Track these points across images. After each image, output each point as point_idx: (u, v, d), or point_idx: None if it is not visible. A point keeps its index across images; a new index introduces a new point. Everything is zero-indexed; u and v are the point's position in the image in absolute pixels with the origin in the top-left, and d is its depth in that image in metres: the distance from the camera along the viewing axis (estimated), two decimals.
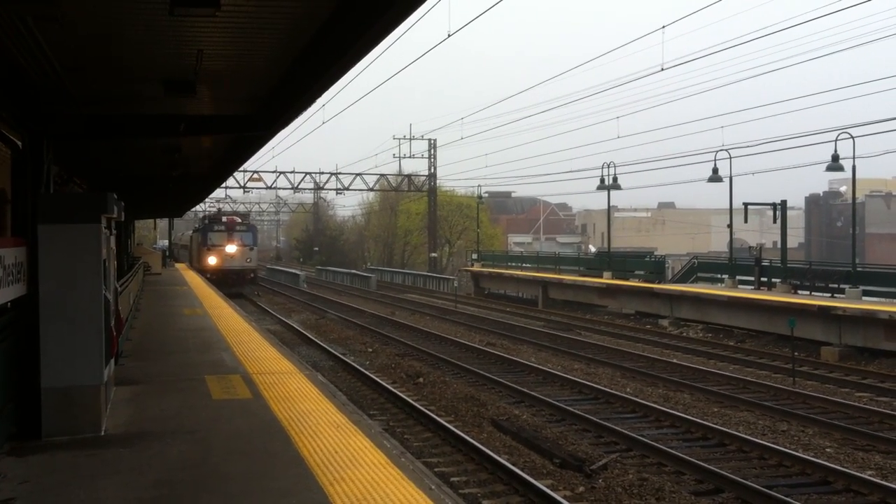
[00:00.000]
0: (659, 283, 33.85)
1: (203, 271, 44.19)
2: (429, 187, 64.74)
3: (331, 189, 63.08)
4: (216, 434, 8.06)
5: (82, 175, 19.65)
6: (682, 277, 35.98)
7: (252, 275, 46.22)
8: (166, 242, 71.62)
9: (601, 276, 37.13)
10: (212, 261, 44.66)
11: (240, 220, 47.03)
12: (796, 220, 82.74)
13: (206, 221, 47.54)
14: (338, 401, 9.67)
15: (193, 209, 62.94)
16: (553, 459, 11.65)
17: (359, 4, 6.94)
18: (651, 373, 19.60)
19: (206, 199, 58.34)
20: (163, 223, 71.93)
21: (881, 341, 20.95)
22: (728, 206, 33.35)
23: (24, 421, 8.01)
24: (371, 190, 66.52)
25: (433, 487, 6.34)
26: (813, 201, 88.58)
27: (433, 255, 65.35)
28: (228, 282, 42.70)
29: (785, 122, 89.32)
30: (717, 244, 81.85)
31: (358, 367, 20.17)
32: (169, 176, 21.73)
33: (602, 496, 10.24)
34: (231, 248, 44.78)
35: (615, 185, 38.70)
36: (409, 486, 6.33)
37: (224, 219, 46.77)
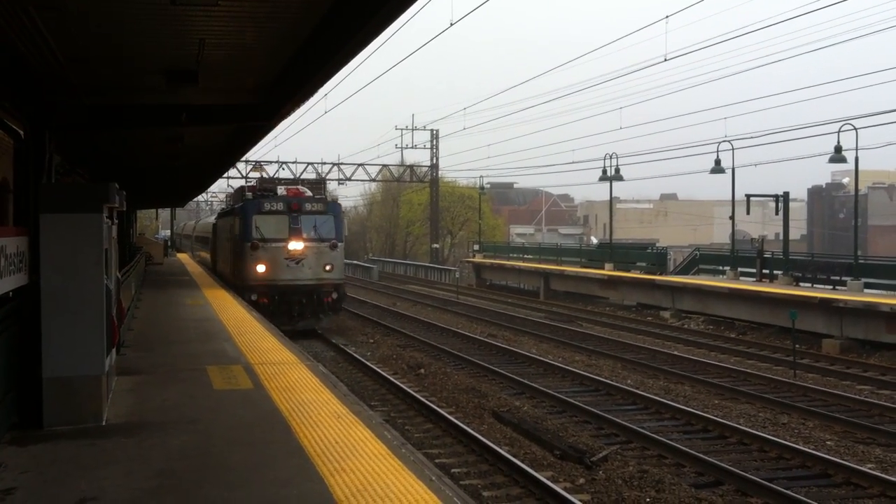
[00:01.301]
0: (661, 274, 33.83)
1: (243, 287, 24.22)
2: (431, 178, 64.67)
3: (333, 179, 62.94)
4: (217, 424, 8.08)
5: (84, 165, 19.65)
6: (684, 269, 35.95)
7: (334, 295, 25.03)
8: (169, 232, 71.46)
9: (603, 268, 37.11)
10: (260, 269, 24.25)
11: (310, 194, 26.41)
12: (799, 211, 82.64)
13: (250, 196, 25.86)
14: (339, 391, 9.68)
15: (210, 190, 59.21)
16: (554, 451, 11.67)
17: None
18: (652, 365, 19.63)
19: (208, 190, 58.06)
20: (165, 213, 71.98)
21: (882, 334, 20.94)
22: (731, 198, 33.31)
23: (25, 410, 8.03)
24: (373, 180, 66.54)
25: (433, 479, 6.35)
26: (815, 193, 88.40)
27: (435, 245, 65.34)
28: (292, 308, 24.41)
29: (788, 114, 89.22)
30: (719, 236, 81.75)
31: (359, 357, 20.21)
32: (171, 166, 21.75)
33: (602, 488, 10.26)
34: (296, 245, 24.44)
35: (617, 177, 38.65)
36: (409, 476, 6.34)
37: (283, 191, 26.29)
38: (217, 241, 33.38)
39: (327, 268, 24.80)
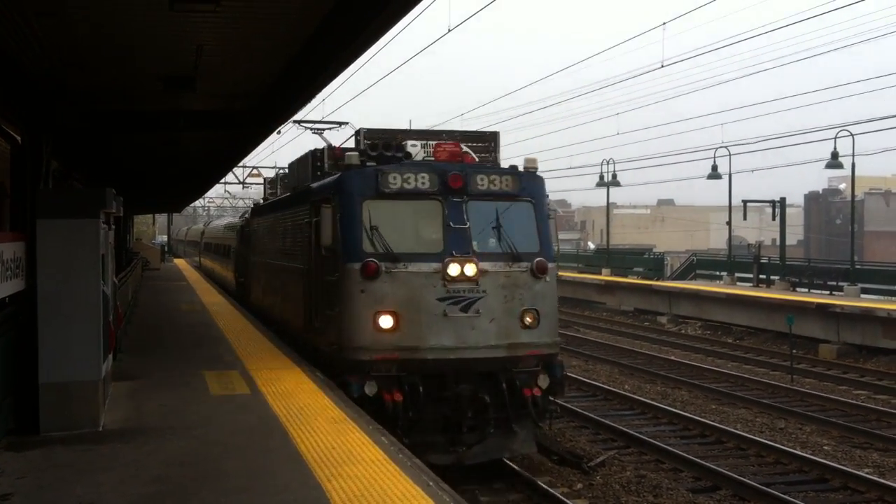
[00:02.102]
0: (658, 280, 33.86)
1: (341, 361, 10.53)
2: None
3: None
4: (214, 430, 8.06)
5: (81, 170, 19.63)
6: (681, 274, 36.03)
7: (543, 380, 10.67)
8: (165, 238, 71.38)
9: (600, 273, 37.13)
10: (384, 323, 10.12)
11: (477, 159, 12.34)
12: (795, 217, 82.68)
13: (355, 158, 11.25)
14: (336, 396, 9.66)
15: (206, 196, 57.07)
16: (551, 456, 11.65)
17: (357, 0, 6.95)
18: (649, 370, 19.61)
19: (205, 196, 57.82)
20: (162, 219, 71.91)
21: (879, 339, 20.96)
22: (727, 204, 33.36)
23: (22, 416, 8.01)
24: None
25: (430, 483, 6.34)
26: (812, 199, 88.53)
27: None
28: (458, 410, 10.18)
29: (785, 120, 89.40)
30: (716, 241, 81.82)
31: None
32: (168, 171, 21.75)
33: (600, 493, 10.26)
34: (464, 269, 10.27)
35: (614, 182, 38.73)
36: (406, 482, 6.33)
37: (420, 150, 11.98)
38: (252, 253, 19.75)
39: (528, 319, 10.88)
